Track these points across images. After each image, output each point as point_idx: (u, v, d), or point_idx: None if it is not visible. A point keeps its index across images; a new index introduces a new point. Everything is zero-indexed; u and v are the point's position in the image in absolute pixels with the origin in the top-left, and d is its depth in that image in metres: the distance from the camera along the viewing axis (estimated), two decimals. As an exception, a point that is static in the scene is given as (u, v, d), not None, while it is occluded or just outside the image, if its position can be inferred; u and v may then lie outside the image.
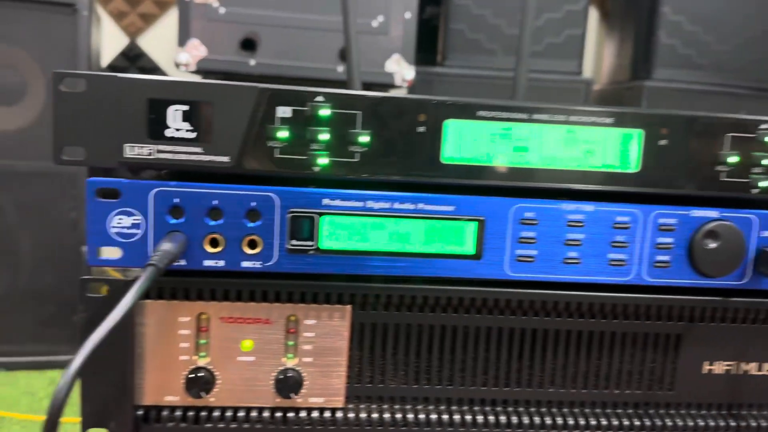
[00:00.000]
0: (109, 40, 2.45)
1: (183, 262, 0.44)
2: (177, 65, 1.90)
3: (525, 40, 0.76)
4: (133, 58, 2.55)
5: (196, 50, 1.92)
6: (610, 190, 0.47)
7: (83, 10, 1.57)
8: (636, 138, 0.47)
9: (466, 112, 0.45)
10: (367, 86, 2.15)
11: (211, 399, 0.47)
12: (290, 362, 0.48)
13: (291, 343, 0.47)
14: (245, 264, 0.45)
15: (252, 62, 1.92)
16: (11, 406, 1.76)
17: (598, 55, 2.81)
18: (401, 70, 1.97)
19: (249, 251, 0.45)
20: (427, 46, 2.26)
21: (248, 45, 1.97)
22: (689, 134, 0.47)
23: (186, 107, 0.43)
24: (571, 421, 0.50)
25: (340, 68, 1.95)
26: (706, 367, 0.51)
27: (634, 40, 2.34)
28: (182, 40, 1.91)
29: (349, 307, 0.47)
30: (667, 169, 0.47)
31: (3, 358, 1.91)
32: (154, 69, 2.43)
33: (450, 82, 2.09)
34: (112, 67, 2.41)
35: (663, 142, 0.47)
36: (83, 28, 1.91)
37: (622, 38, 2.46)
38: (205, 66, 1.91)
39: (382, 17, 1.76)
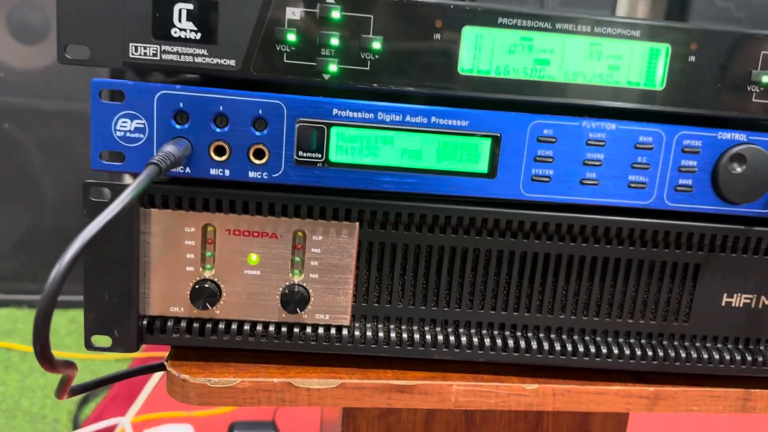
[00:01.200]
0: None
1: (188, 171, 0.43)
2: None
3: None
4: None
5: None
6: (634, 108, 0.45)
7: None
8: (663, 53, 0.44)
9: (487, 18, 0.43)
10: None
11: (216, 311, 0.47)
12: (297, 278, 0.47)
13: (298, 259, 0.47)
14: (252, 174, 0.44)
15: None
16: (25, 340, 1.79)
17: (631, 7, 2.72)
18: None
19: (256, 161, 0.44)
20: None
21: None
22: (720, 50, 0.44)
23: (191, 6, 0.41)
24: (581, 349, 0.49)
25: None
26: (724, 299, 0.50)
27: (668, -8, 2.27)
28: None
29: (356, 224, 0.46)
30: (695, 87, 0.45)
31: (26, 296, 1.95)
32: None
33: None
34: None
35: (691, 59, 0.44)
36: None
37: (656, -10, 2.38)
38: None
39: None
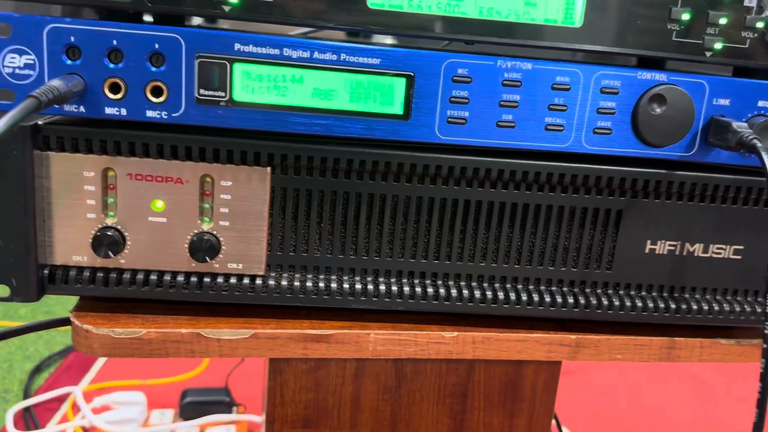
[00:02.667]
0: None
1: (82, 109, 0.41)
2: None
3: None
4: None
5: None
6: (551, 46, 0.44)
7: None
8: (581, -12, 0.43)
9: (395, -48, 0.41)
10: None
11: (121, 261, 0.45)
12: (206, 226, 0.45)
13: (207, 206, 0.45)
14: (150, 113, 0.42)
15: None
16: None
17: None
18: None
19: (154, 99, 0.41)
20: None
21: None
22: (640, -14, 0.43)
23: (78, -69, 0.38)
24: (501, 296, 0.48)
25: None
26: (648, 246, 0.49)
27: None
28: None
29: (268, 169, 0.44)
30: (613, 24, 0.43)
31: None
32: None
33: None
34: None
35: (610, -6, 0.43)
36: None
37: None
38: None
39: None
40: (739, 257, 0.50)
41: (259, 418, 1.24)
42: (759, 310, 0.50)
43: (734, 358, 0.52)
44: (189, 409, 1.22)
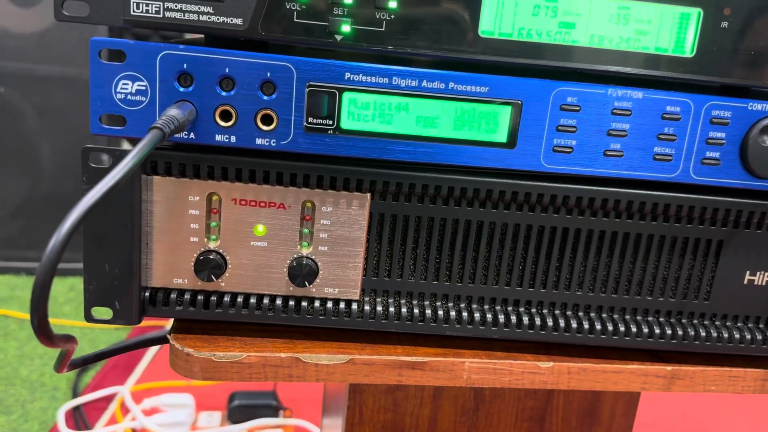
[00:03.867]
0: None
1: (192, 136, 0.41)
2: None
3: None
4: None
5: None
6: (662, 76, 0.43)
7: None
8: (694, 18, 0.42)
9: (508, -21, 0.41)
10: None
11: (222, 284, 0.45)
12: (305, 250, 0.45)
13: (306, 230, 0.45)
14: (259, 141, 0.42)
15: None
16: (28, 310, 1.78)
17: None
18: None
19: (263, 127, 0.41)
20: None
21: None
22: (754, 16, 0.42)
23: (197, -40, 0.38)
24: (597, 326, 0.47)
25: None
26: (747, 277, 0.48)
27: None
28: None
29: (368, 195, 0.44)
30: (726, 55, 0.42)
31: (24, 263, 1.93)
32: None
33: None
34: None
35: (724, 24, 0.42)
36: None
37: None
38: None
39: None
40: (841, 290, 0.49)
41: (307, 423, 1.25)
42: None
43: (831, 392, 0.51)
44: (237, 412, 1.23)
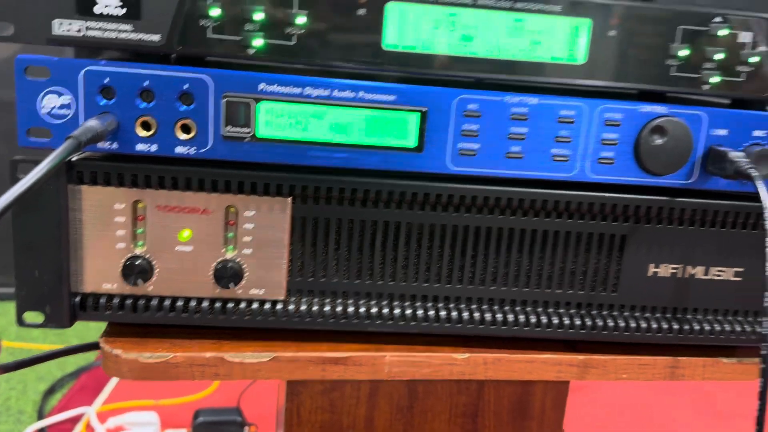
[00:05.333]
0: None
1: (115, 146, 0.44)
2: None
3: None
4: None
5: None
6: (557, 83, 0.46)
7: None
8: (584, 28, 0.45)
9: (409, -5, 0.44)
10: None
11: (149, 288, 0.47)
12: (230, 254, 0.47)
13: (231, 234, 0.47)
14: (179, 149, 0.44)
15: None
16: (1, 334, 1.78)
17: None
18: None
19: (183, 136, 0.44)
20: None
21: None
22: (640, 25, 0.46)
23: (114, -19, 0.41)
24: (511, 318, 0.50)
25: None
26: (651, 270, 0.51)
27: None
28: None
29: (289, 200, 0.47)
30: (616, 61, 0.46)
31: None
32: None
33: None
34: None
35: (612, 33, 0.45)
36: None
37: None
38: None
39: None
40: (739, 279, 0.52)
41: (271, 437, 1.26)
42: (759, 330, 0.52)
43: (736, 376, 0.54)
44: (202, 429, 1.23)
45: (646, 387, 1.64)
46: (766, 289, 0.43)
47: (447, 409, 0.62)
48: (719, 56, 0.46)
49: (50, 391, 1.50)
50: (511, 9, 0.44)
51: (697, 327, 0.52)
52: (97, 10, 0.42)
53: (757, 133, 0.48)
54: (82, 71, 0.42)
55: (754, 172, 0.44)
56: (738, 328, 0.52)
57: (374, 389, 0.60)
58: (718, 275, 0.52)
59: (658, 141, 0.47)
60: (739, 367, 0.54)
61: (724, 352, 0.54)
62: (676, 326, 0.52)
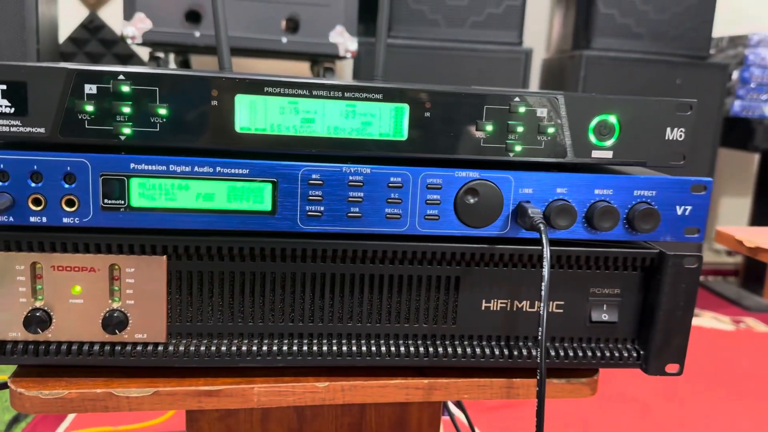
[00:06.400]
0: (68, 13, 2.50)
1: (11, 219, 0.52)
2: (123, 38, 1.95)
3: (382, 23, 0.83)
4: (93, 30, 2.59)
5: (141, 23, 1.97)
6: (384, 155, 0.55)
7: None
8: (404, 111, 0.55)
9: (255, 88, 0.53)
10: (313, 57, 2.21)
11: (49, 335, 0.55)
12: (115, 304, 0.56)
13: (116, 288, 0.56)
14: (66, 220, 0.53)
15: (197, 34, 1.98)
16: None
17: (550, 24, 2.86)
18: (345, 42, 2.04)
19: (68, 209, 0.53)
20: (373, 17, 2.32)
21: (193, 17, 2.02)
22: (450, 106, 0.55)
23: (4, 86, 0.50)
24: (365, 350, 0.59)
25: (285, 39, 2.01)
26: (483, 305, 0.60)
27: (576, 9, 2.40)
28: (128, 14, 1.96)
29: (164, 258, 0.56)
30: (431, 136, 0.55)
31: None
32: (115, 41, 2.49)
33: (395, 52, 2.15)
34: (72, 39, 2.46)
35: (427, 114, 0.55)
36: (30, 3, 1.96)
37: (567, 8, 2.52)
38: (151, 38, 1.97)
39: (317, -10, 1.83)
40: (561, 311, 0.61)
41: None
42: (581, 353, 0.61)
43: (566, 394, 0.63)
44: (153, 453, 1.30)
45: (589, 402, 1.73)
46: (540, 323, 0.52)
47: (333, 430, 0.71)
48: (520, 129, 0.56)
49: (15, 420, 1.57)
50: (342, 98, 0.54)
51: (525, 352, 0.61)
52: (-9, 109, 0.50)
53: (559, 189, 0.57)
54: (-19, 159, 0.51)
55: (541, 227, 0.53)
56: (562, 353, 0.61)
57: (266, 414, 0.69)
58: (544, 308, 0.61)
59: (472, 200, 0.56)
60: (569, 387, 0.63)
61: (554, 373, 0.63)
62: (507, 352, 0.61)
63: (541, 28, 2.90)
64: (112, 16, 2.52)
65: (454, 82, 2.17)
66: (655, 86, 2.27)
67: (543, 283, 0.52)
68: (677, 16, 2.28)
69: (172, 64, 2.22)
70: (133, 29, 1.93)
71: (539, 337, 0.53)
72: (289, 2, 1.99)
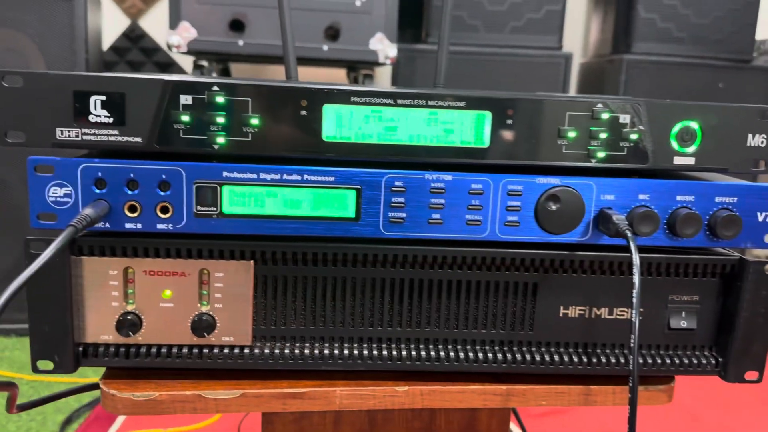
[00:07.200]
0: (110, 22, 2.56)
1: (107, 225, 0.54)
2: (169, 47, 1.99)
3: (446, 25, 0.84)
4: (134, 38, 2.65)
5: (186, 32, 2.01)
6: (466, 162, 0.56)
7: (80, -3, 1.68)
8: (486, 118, 0.55)
9: (341, 97, 0.54)
10: (352, 64, 2.23)
11: (139, 338, 0.57)
12: (204, 308, 0.57)
13: (204, 292, 0.57)
14: (160, 226, 0.55)
15: (240, 42, 2.01)
16: (21, 368, 1.89)
17: (586, 29, 2.85)
18: (384, 48, 2.06)
19: (162, 215, 0.54)
20: (411, 24, 2.33)
21: (237, 26, 2.06)
22: (532, 114, 0.56)
23: (104, 97, 0.52)
24: (443, 355, 0.59)
25: (326, 47, 2.03)
26: (561, 311, 0.60)
27: (615, 14, 2.39)
28: (173, 23, 2.00)
29: (251, 262, 0.57)
30: (513, 143, 0.56)
31: (15, 325, 2.05)
32: (156, 50, 2.54)
33: (433, 58, 2.17)
34: (114, 48, 2.52)
35: (509, 121, 0.55)
36: (80, 12, 2.01)
37: (606, 12, 2.51)
38: (196, 47, 2.01)
39: (364, -4, 1.85)
40: (640, 318, 0.61)
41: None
42: (659, 360, 0.61)
43: (643, 401, 0.63)
44: (205, 455, 1.33)
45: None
46: (632, 331, 0.53)
47: (403, 434, 0.71)
48: (603, 135, 0.56)
49: (68, 422, 1.60)
50: (425, 106, 0.55)
51: (604, 359, 0.61)
52: (91, 119, 0.52)
53: (642, 196, 0.57)
54: (80, 167, 0.53)
55: (628, 233, 0.53)
56: (641, 360, 0.61)
57: (338, 417, 0.70)
58: (621, 314, 0.61)
59: (553, 207, 0.56)
60: (645, 393, 0.63)
61: (631, 380, 0.63)
62: (585, 359, 0.61)
63: (576, 32, 2.89)
64: (152, 25, 2.57)
65: (493, 87, 2.18)
66: (697, 90, 2.25)
67: (634, 291, 0.53)
68: (719, 19, 2.26)
69: (214, 73, 2.26)
70: (179, 38, 1.97)
71: (632, 345, 0.53)
72: (331, 10, 2.01)
